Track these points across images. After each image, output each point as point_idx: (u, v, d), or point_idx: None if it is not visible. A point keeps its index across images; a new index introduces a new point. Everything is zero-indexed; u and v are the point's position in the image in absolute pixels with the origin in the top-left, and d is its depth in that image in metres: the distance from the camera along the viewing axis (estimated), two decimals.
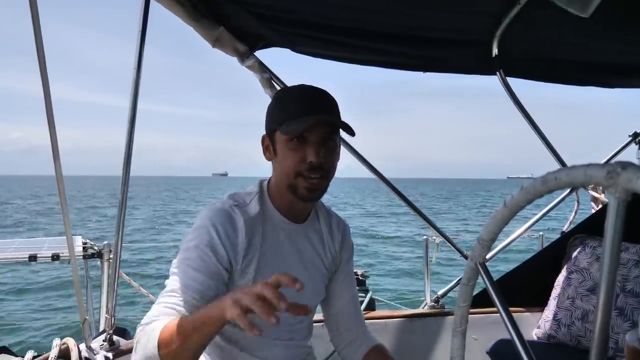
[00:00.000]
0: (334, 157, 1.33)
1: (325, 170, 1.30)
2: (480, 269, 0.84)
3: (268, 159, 1.38)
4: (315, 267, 1.45)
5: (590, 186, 2.96)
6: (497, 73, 2.47)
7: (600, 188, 3.02)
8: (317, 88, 1.34)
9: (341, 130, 1.32)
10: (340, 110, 1.37)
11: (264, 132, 1.37)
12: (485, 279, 0.84)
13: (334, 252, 1.51)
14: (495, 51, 2.32)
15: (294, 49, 2.23)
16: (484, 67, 2.46)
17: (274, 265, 1.33)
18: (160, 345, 1.08)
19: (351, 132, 1.30)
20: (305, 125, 1.24)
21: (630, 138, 2.82)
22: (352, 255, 1.60)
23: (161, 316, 1.15)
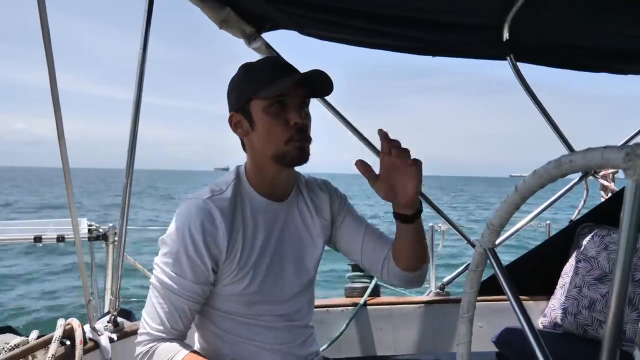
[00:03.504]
0: (310, 122, 1.34)
1: (307, 132, 1.31)
2: (490, 254, 0.83)
3: (241, 135, 1.35)
4: (304, 241, 1.44)
5: (600, 174, 2.93)
6: (508, 58, 2.43)
7: (610, 177, 2.99)
8: None
9: (343, 123, 1.32)
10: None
11: (232, 112, 1.34)
12: (495, 265, 0.82)
13: (322, 220, 1.48)
14: (506, 36, 2.28)
15: (302, 31, 2.20)
16: (494, 51, 2.42)
17: (257, 248, 1.33)
18: None
19: (326, 91, 1.33)
20: (293, 80, 1.23)
21: None
22: (345, 200, 1.57)
23: (158, 326, 1.25)
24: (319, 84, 1.30)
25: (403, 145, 1.26)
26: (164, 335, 1.26)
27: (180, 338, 1.30)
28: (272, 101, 1.25)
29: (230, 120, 1.34)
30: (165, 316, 1.25)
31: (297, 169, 1.43)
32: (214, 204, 1.27)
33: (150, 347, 1.25)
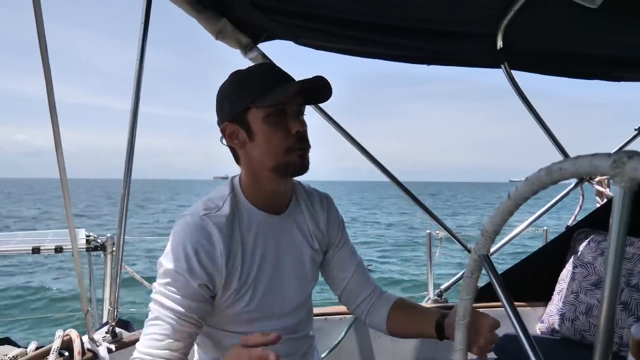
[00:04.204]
0: (307, 129, 1.30)
1: (307, 140, 1.28)
2: (484, 261, 0.83)
3: (238, 146, 1.29)
4: (304, 254, 1.41)
5: (595, 180, 2.95)
6: (502, 66, 2.45)
7: (606, 182, 3.01)
8: None
9: (338, 131, 1.30)
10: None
11: (225, 122, 1.28)
12: (489, 272, 0.83)
13: (320, 234, 1.45)
14: (500, 44, 2.30)
15: (297, 41, 2.21)
16: (488, 59, 2.44)
17: (256, 264, 1.30)
18: None
19: (323, 98, 1.29)
20: (296, 88, 1.20)
21: (636, 132, 2.80)
22: (343, 225, 1.54)
23: (151, 349, 1.16)
24: (318, 90, 1.26)
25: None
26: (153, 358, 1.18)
27: None
28: (272, 110, 1.21)
29: (223, 131, 1.29)
30: (161, 338, 1.17)
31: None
32: (211, 221, 1.23)
33: None
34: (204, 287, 1.21)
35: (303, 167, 1.26)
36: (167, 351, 1.17)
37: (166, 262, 1.21)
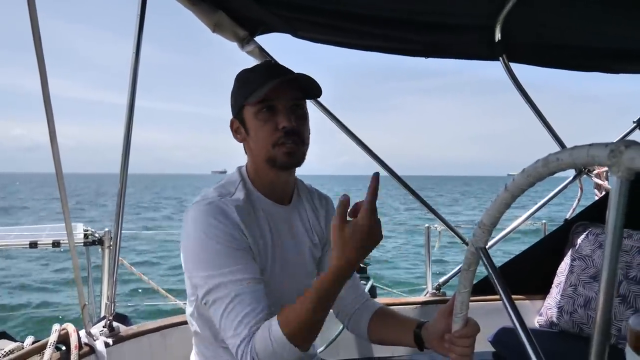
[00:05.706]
0: (305, 123, 1.34)
1: (299, 135, 1.29)
2: (482, 254, 0.83)
3: (240, 140, 1.38)
4: (304, 246, 1.44)
5: (593, 173, 2.94)
6: (500, 58, 2.44)
7: (604, 175, 3.00)
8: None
9: (338, 126, 1.31)
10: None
11: (232, 118, 1.38)
12: (487, 264, 0.82)
13: (319, 229, 1.50)
14: (498, 36, 2.29)
15: (295, 34, 2.20)
16: (486, 52, 2.43)
17: (270, 250, 1.32)
18: (284, 327, 1.11)
19: (318, 93, 1.33)
20: (272, 85, 1.23)
21: (635, 124, 2.79)
22: None
23: (249, 325, 1.14)
24: (309, 86, 1.31)
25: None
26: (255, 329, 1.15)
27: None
28: (261, 106, 1.26)
29: (231, 127, 1.38)
30: (249, 311, 1.15)
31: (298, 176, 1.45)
32: (227, 202, 1.26)
33: (249, 346, 1.14)
34: (247, 244, 1.24)
35: (290, 161, 1.30)
36: (261, 315, 1.16)
37: (200, 249, 1.20)
